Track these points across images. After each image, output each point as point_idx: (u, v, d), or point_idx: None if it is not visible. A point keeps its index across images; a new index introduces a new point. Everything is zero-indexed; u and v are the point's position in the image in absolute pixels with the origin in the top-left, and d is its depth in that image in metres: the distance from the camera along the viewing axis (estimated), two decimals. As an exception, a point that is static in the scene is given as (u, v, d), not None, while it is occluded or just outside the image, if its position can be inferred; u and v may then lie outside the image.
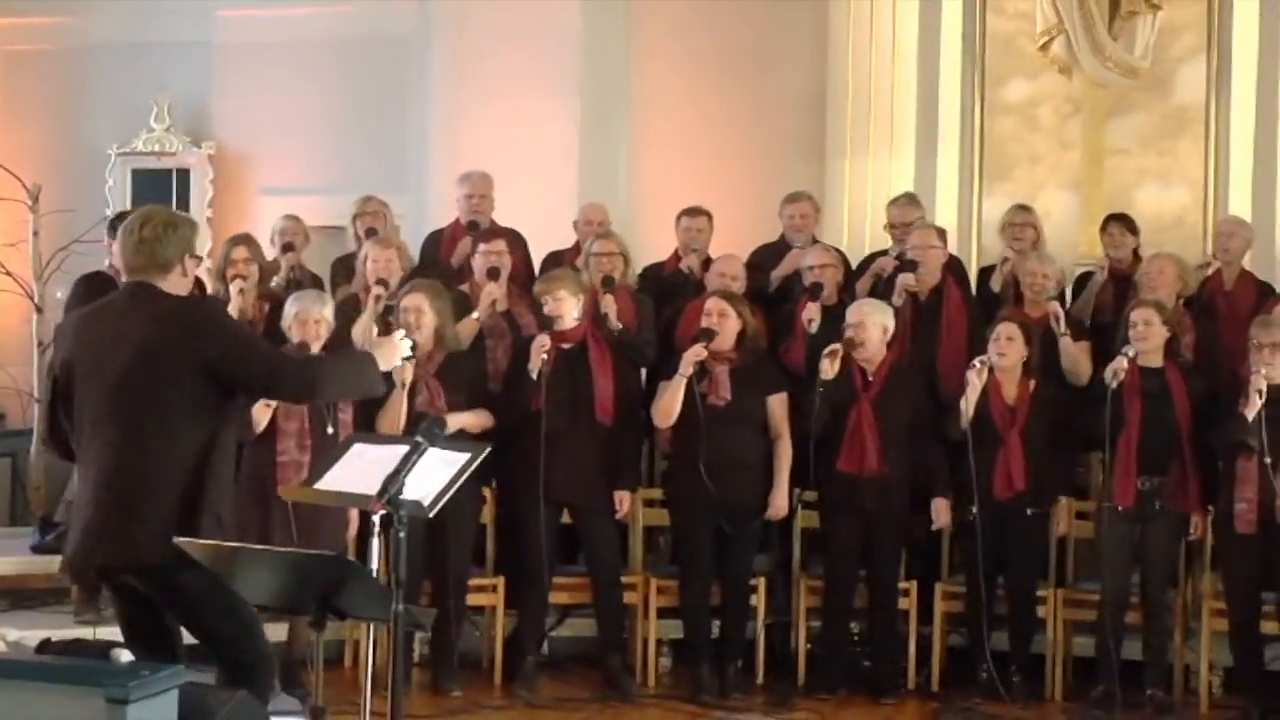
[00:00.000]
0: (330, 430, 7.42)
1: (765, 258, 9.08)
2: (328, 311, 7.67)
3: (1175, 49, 10.67)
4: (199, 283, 8.56)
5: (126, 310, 5.24)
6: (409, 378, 7.65)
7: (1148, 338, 7.82)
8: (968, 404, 7.85)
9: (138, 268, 5.24)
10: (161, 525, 5.01)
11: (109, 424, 5.14)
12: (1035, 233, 9.19)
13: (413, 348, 5.89)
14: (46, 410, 5.50)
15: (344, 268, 9.22)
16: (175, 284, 5.24)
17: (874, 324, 8.02)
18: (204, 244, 5.41)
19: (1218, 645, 7.95)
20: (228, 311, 5.44)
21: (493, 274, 8.48)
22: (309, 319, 7.45)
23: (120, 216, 8.76)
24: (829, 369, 7.86)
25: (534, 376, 7.81)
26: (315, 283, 9.09)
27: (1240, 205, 10.18)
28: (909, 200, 9.58)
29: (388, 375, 5.97)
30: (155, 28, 11.62)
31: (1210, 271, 9.00)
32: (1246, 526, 7.55)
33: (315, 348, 7.49)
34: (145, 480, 5.07)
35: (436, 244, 9.42)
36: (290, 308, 7.62)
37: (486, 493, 8.10)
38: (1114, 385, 7.66)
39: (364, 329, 8.16)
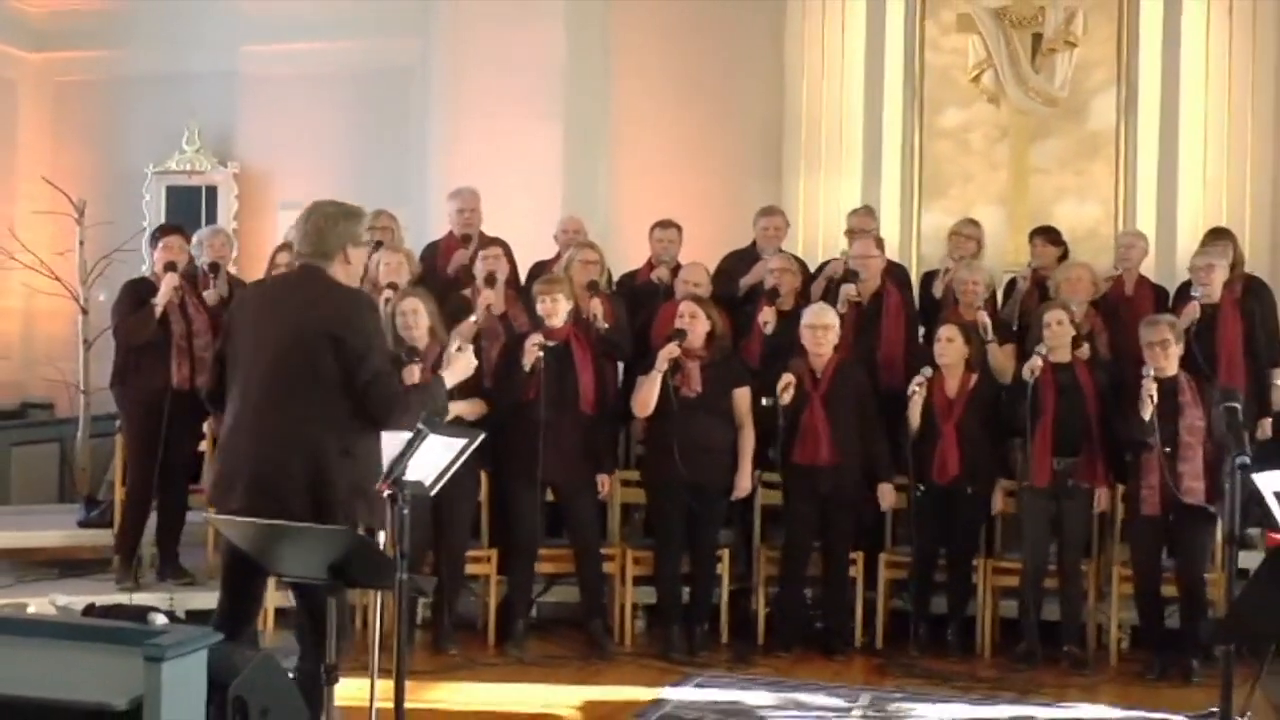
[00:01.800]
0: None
1: (734, 264, 9.08)
2: None
3: (1089, 81, 10.71)
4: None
5: (294, 289, 5.31)
6: (418, 374, 7.64)
7: (1058, 337, 7.88)
8: (913, 413, 7.89)
9: (306, 253, 5.30)
10: (296, 482, 5.08)
11: (270, 389, 5.18)
12: (976, 245, 9.24)
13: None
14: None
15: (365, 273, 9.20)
16: (340, 270, 5.29)
17: (831, 329, 8.03)
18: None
19: (1125, 607, 8.00)
20: (377, 313, 5.45)
21: (489, 280, 8.48)
22: None
23: (162, 229, 8.81)
24: (786, 399, 7.86)
25: (527, 370, 7.82)
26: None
27: (1146, 219, 10.24)
28: (866, 211, 9.64)
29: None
30: (187, 61, 11.65)
31: (1113, 278, 9.04)
32: (1151, 509, 7.61)
33: None
34: (288, 437, 5.11)
35: (433, 254, 9.40)
36: None
37: (483, 474, 8.11)
38: (1031, 380, 7.73)
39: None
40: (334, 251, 5.26)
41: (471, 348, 6.01)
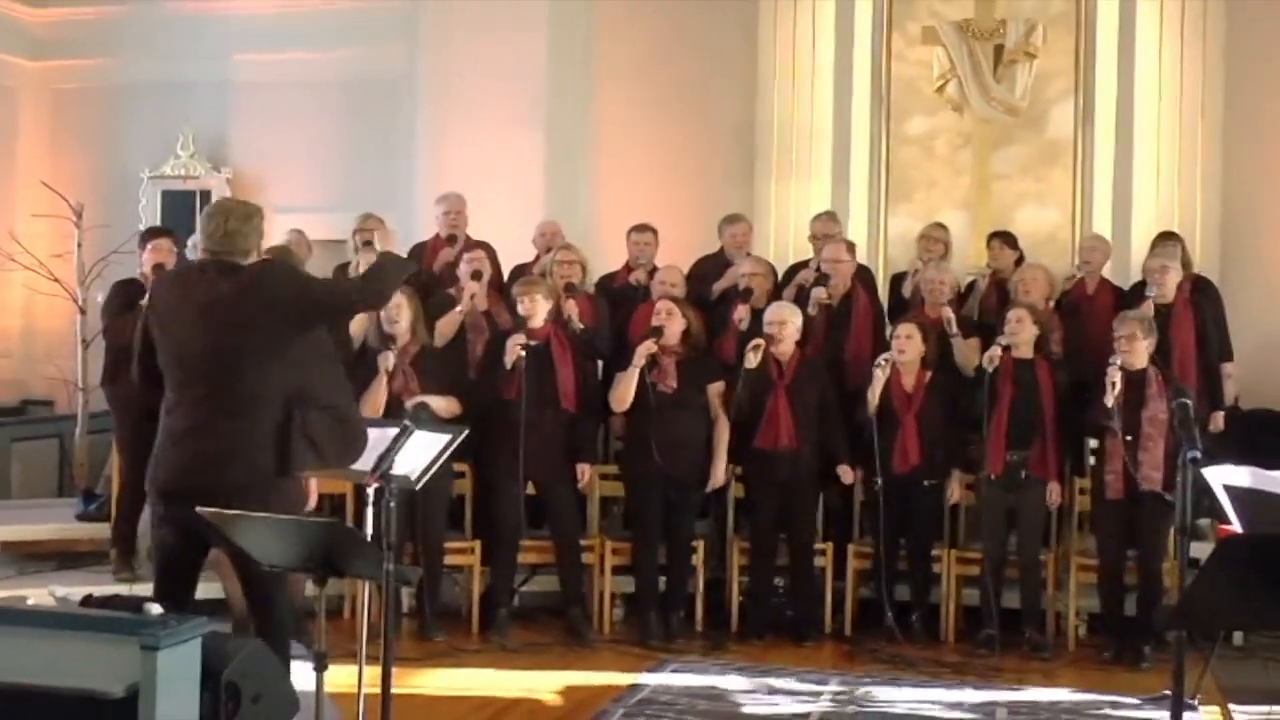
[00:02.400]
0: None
1: (705, 268, 9.12)
2: None
3: (1049, 91, 10.73)
4: (342, 273, 8.63)
5: (213, 276, 5.24)
6: (391, 364, 7.66)
7: (1019, 333, 7.92)
8: (873, 394, 7.92)
9: (221, 251, 5.26)
10: (248, 461, 5.10)
11: (202, 374, 5.18)
12: (944, 247, 9.26)
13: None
14: (139, 358, 5.52)
15: (344, 275, 9.20)
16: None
17: (792, 324, 8.09)
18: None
19: (1083, 595, 8.04)
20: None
21: (476, 276, 8.49)
22: None
23: (150, 230, 8.78)
24: (753, 360, 7.92)
25: (509, 368, 7.82)
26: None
27: (1102, 224, 10.27)
28: (829, 217, 9.63)
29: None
30: (181, 69, 11.64)
31: (1075, 280, 9.08)
32: (1115, 493, 7.65)
33: None
34: (236, 422, 5.12)
35: (420, 254, 9.40)
36: None
37: (465, 468, 8.10)
38: (990, 369, 7.76)
39: (358, 325, 8.16)
40: (251, 251, 5.28)
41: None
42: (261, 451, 5.13)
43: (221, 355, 5.17)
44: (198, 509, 4.96)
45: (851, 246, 9.11)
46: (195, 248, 8.53)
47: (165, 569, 5.41)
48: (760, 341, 7.96)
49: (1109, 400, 7.48)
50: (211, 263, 5.32)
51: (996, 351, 7.80)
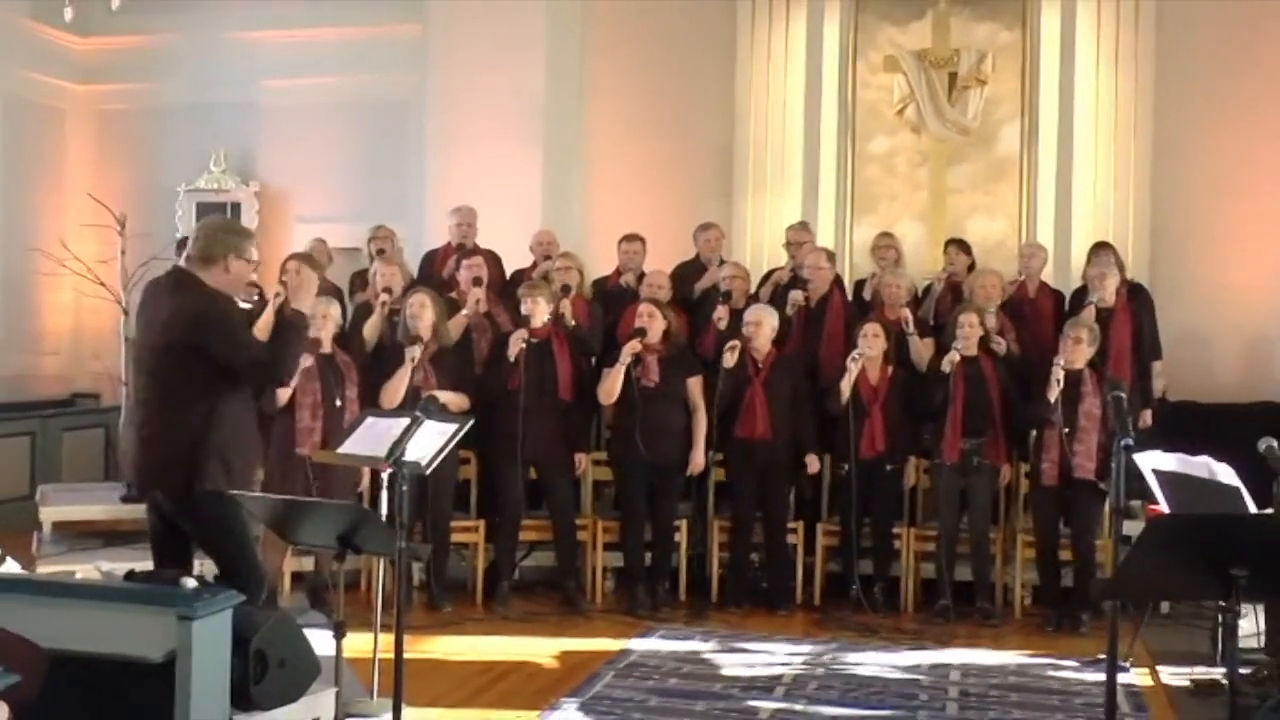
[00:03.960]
0: (339, 403, 7.39)
1: (685, 272, 9.14)
2: (334, 310, 7.65)
3: (997, 114, 10.76)
4: (359, 279, 8.57)
5: (166, 292, 5.23)
6: (418, 355, 7.66)
7: (970, 335, 7.95)
8: (845, 387, 7.94)
9: (193, 256, 5.24)
10: (176, 463, 5.05)
11: (141, 380, 5.24)
12: (896, 253, 9.27)
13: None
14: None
15: (360, 280, 9.22)
16: (219, 276, 5.20)
17: (767, 324, 8.10)
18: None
19: (1028, 569, 8.05)
20: (235, 313, 5.39)
21: (477, 281, 8.49)
22: (317, 315, 7.29)
23: (185, 239, 8.77)
24: (730, 359, 7.94)
25: (512, 361, 7.83)
26: (336, 292, 9.07)
27: (1045, 233, 10.29)
28: (802, 226, 9.66)
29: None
30: (213, 93, 11.63)
31: (1017, 284, 9.10)
32: (1051, 480, 7.67)
33: (326, 338, 7.47)
34: (164, 427, 5.11)
35: (431, 260, 9.41)
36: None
37: (470, 454, 8.10)
38: (949, 370, 7.79)
39: (372, 328, 8.17)
40: (217, 259, 5.20)
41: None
42: (174, 467, 5.09)
43: (152, 364, 5.19)
44: (233, 493, 4.98)
45: (831, 255, 9.12)
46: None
47: (154, 549, 5.39)
48: (737, 343, 7.98)
49: (1052, 396, 7.51)
50: (173, 271, 5.32)
51: (955, 357, 7.84)
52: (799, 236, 9.38)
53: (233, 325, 5.25)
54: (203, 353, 5.07)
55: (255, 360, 5.25)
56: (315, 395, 7.38)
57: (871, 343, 8.06)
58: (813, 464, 8.16)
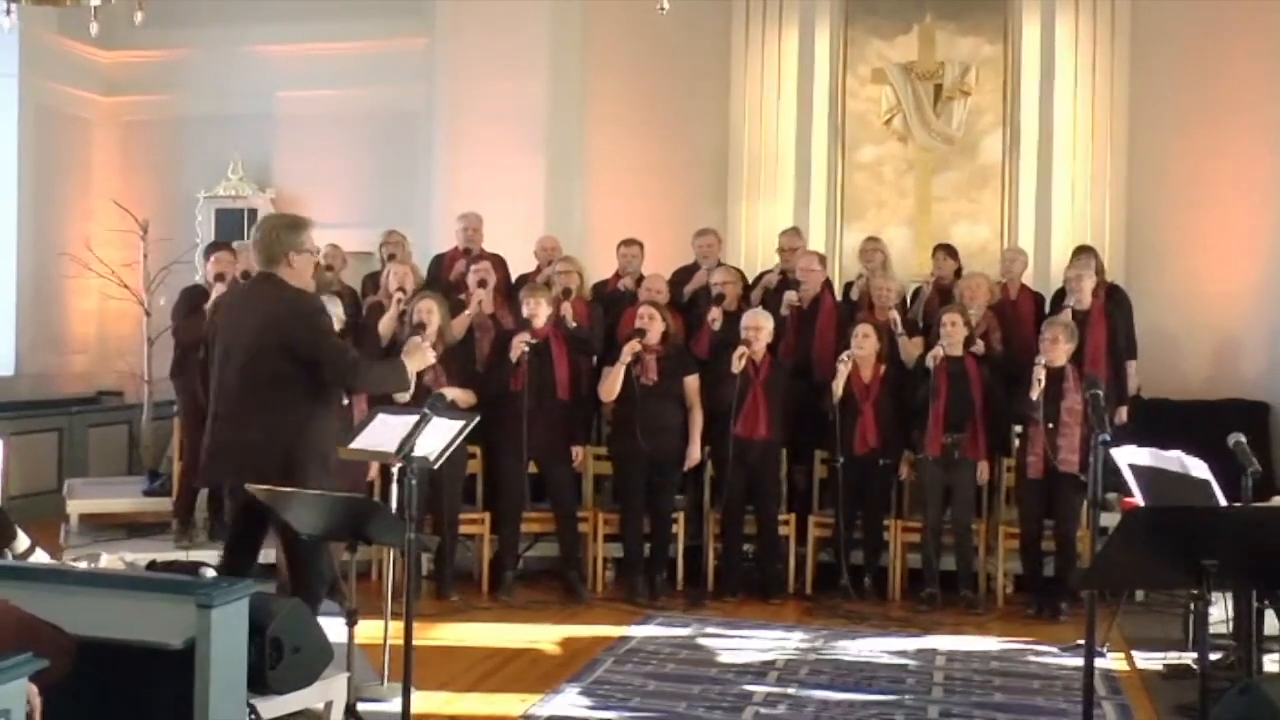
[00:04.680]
0: (346, 401, 7.36)
1: (682, 276, 9.12)
2: (338, 309, 7.59)
3: (980, 124, 10.80)
4: (371, 281, 8.54)
5: (253, 294, 5.33)
6: (431, 359, 7.65)
7: (954, 335, 7.95)
8: (837, 385, 7.94)
9: (260, 262, 5.33)
10: (271, 459, 5.10)
11: (237, 379, 5.22)
12: (883, 256, 9.25)
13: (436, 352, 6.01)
14: (201, 364, 5.57)
15: (372, 282, 9.21)
16: (287, 274, 5.29)
17: (765, 329, 8.09)
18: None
19: (1009, 559, 8.05)
20: (318, 308, 5.47)
21: (482, 284, 8.50)
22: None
23: (212, 245, 8.81)
24: (738, 365, 7.92)
25: (514, 362, 7.83)
26: (350, 295, 9.09)
27: (1026, 238, 10.32)
28: (794, 232, 9.66)
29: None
30: (232, 104, 11.65)
31: (1000, 286, 9.10)
32: (1035, 473, 7.66)
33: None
34: (259, 423, 5.15)
35: (439, 264, 9.41)
36: None
37: (476, 450, 8.10)
38: (932, 366, 7.80)
39: (386, 325, 8.16)
40: (279, 258, 5.27)
41: (429, 344, 6.11)
42: (271, 459, 5.13)
43: (248, 363, 5.21)
44: (246, 486, 4.99)
45: (822, 258, 9.12)
46: (237, 256, 8.57)
47: (231, 536, 5.46)
48: (744, 350, 7.94)
49: (1034, 393, 7.50)
50: (258, 275, 5.37)
51: (939, 352, 7.83)
52: (791, 242, 9.38)
53: (317, 322, 5.33)
54: (295, 353, 5.15)
55: (347, 362, 5.34)
56: None
57: (863, 342, 8.05)
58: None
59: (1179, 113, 10.33)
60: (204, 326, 5.64)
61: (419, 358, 5.76)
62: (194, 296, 8.20)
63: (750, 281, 9.25)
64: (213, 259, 8.28)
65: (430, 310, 7.76)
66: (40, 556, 4.73)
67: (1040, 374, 7.50)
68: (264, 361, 5.17)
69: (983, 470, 7.98)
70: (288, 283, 5.29)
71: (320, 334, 5.32)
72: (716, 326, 8.44)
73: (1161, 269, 10.24)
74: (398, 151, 11.43)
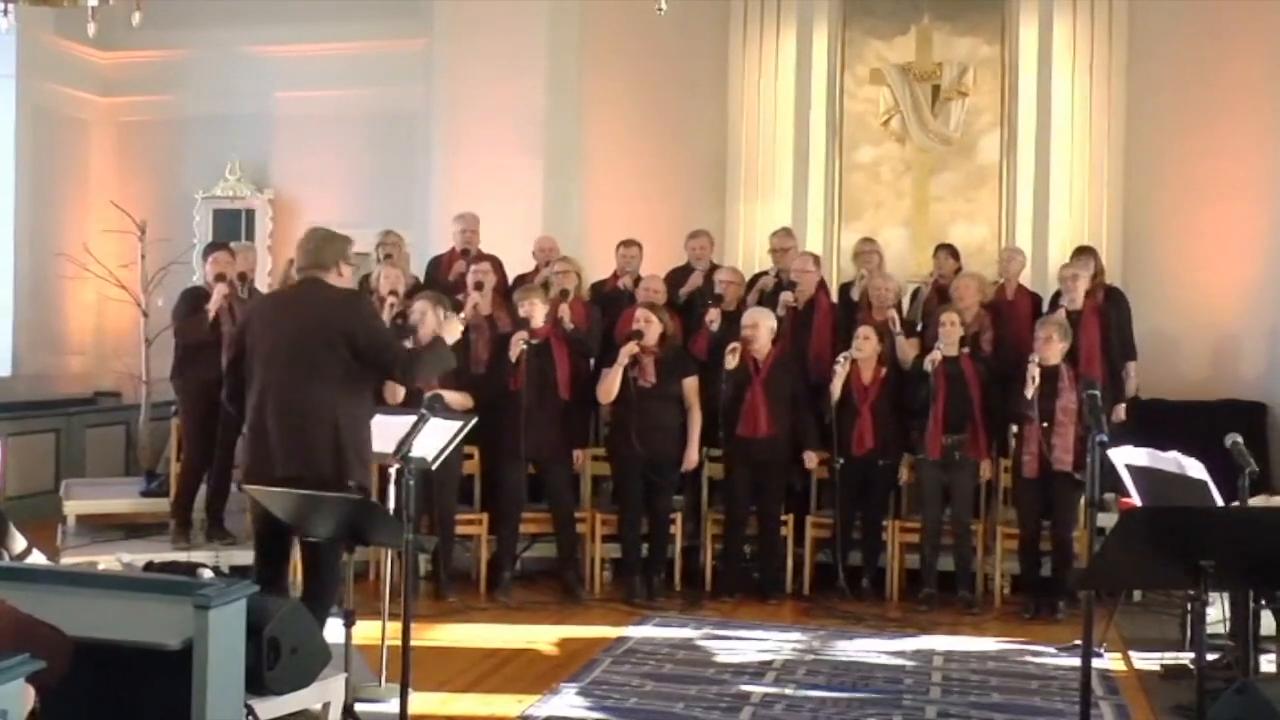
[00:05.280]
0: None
1: (677, 276, 9.11)
2: None
3: (978, 124, 10.81)
4: (365, 282, 8.65)
5: (301, 296, 5.34)
6: (459, 331, 7.63)
7: (952, 336, 7.95)
8: (835, 386, 7.94)
9: (307, 266, 5.35)
10: (325, 452, 5.12)
11: (290, 378, 5.20)
12: (878, 257, 9.26)
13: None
14: (229, 366, 5.54)
15: (368, 284, 9.20)
16: (336, 280, 5.35)
17: (764, 326, 8.10)
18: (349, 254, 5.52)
19: (1007, 559, 8.06)
20: (370, 302, 5.53)
21: (478, 286, 8.50)
22: None
23: (211, 245, 8.80)
24: (732, 361, 7.93)
25: (513, 362, 7.83)
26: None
27: (1023, 238, 10.33)
28: (785, 233, 9.63)
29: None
30: (230, 105, 11.66)
31: (997, 286, 9.11)
32: (1031, 472, 7.66)
33: None
34: (312, 418, 5.14)
35: (437, 265, 9.41)
36: None
37: (474, 450, 8.10)
38: (930, 369, 7.80)
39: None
40: (329, 264, 5.34)
41: (458, 317, 6.16)
42: (324, 456, 5.15)
43: (299, 361, 5.20)
44: (244, 486, 4.98)
45: (816, 259, 9.13)
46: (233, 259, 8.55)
47: (258, 546, 5.46)
48: (738, 345, 7.96)
49: (1029, 392, 7.51)
50: (303, 280, 5.39)
51: (937, 355, 7.84)
52: (782, 243, 9.37)
53: (378, 318, 5.46)
54: (349, 343, 5.15)
55: (405, 353, 5.42)
56: None
57: (864, 344, 8.06)
58: (810, 460, 8.15)
59: (1176, 113, 10.34)
60: (233, 333, 5.61)
61: (453, 329, 5.80)
62: (194, 297, 8.19)
63: (747, 282, 9.25)
64: (211, 259, 8.26)
65: (425, 311, 7.76)
66: (37, 557, 4.73)
67: (1034, 372, 7.51)
68: (319, 359, 5.17)
69: (985, 469, 7.98)
70: (335, 285, 5.32)
71: (382, 328, 5.44)
72: (715, 328, 8.44)
73: (1159, 269, 10.25)
74: (396, 152, 11.43)
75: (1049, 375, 7.59)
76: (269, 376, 5.25)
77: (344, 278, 5.40)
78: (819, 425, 8.11)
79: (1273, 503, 6.26)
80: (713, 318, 8.49)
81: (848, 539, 8.08)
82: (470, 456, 8.13)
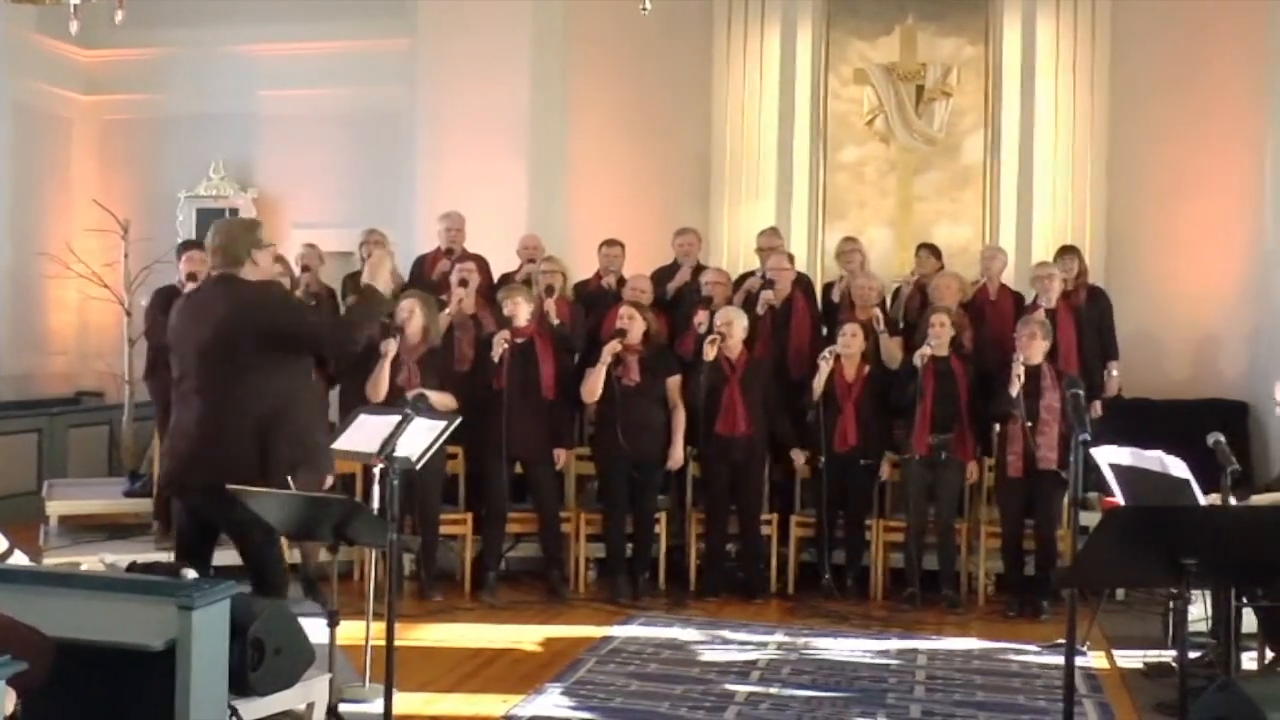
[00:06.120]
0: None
1: (663, 275, 9.12)
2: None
3: (962, 125, 10.83)
4: (282, 260, 8.60)
5: (215, 295, 5.23)
6: (391, 351, 7.63)
7: (941, 335, 7.96)
8: (818, 384, 7.96)
9: (218, 264, 5.25)
10: (243, 453, 5.03)
11: (200, 379, 5.13)
12: (861, 256, 9.25)
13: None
14: (146, 372, 5.47)
15: (352, 282, 9.16)
16: (250, 273, 5.23)
17: (738, 325, 8.10)
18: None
19: (991, 558, 8.08)
20: (284, 289, 5.41)
21: (463, 284, 8.50)
22: None
23: (186, 244, 8.75)
24: (710, 352, 7.94)
25: (496, 361, 7.83)
26: (328, 294, 9.07)
27: (1007, 238, 10.35)
28: (773, 232, 9.66)
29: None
30: (213, 104, 11.63)
31: (979, 285, 9.12)
32: (1015, 472, 7.68)
33: None
34: (225, 422, 5.07)
35: (422, 264, 9.40)
36: None
37: (458, 450, 8.09)
38: (920, 364, 7.81)
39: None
40: (242, 258, 5.22)
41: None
42: (244, 455, 5.06)
43: (213, 361, 5.13)
44: (228, 486, 4.96)
45: (791, 258, 9.14)
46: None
47: (180, 545, 5.39)
48: (717, 335, 7.97)
49: (1013, 390, 7.53)
50: (217, 277, 5.29)
51: (927, 351, 7.84)
52: (770, 242, 9.39)
53: (293, 300, 5.28)
54: (268, 335, 5.06)
55: (328, 323, 5.29)
56: None
57: (850, 341, 8.07)
58: (798, 457, 8.17)
59: (1159, 114, 10.38)
60: (159, 326, 5.53)
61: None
62: (166, 297, 8.11)
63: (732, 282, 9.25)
64: (185, 258, 8.16)
65: (413, 309, 7.76)
66: (19, 558, 4.71)
67: (1019, 371, 7.52)
68: (232, 358, 5.08)
69: (972, 470, 8.00)
70: (248, 279, 5.21)
71: (298, 310, 5.33)
72: (703, 329, 8.43)
73: (1141, 269, 10.28)
74: (380, 152, 11.40)
75: (1031, 374, 7.61)
76: (186, 382, 5.19)
77: (260, 266, 5.26)
78: (799, 423, 8.13)
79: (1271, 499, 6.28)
80: (701, 320, 8.49)
81: (831, 538, 8.09)
82: (455, 456, 8.13)
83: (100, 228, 10.99)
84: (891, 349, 8.34)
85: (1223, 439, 5.41)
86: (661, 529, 8.23)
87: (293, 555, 7.80)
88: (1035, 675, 6.40)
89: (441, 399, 7.56)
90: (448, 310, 8.33)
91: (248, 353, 5.08)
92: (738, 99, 11.10)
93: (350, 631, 5.61)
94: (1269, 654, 5.84)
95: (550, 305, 8.31)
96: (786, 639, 7.06)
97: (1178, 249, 10.30)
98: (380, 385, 7.58)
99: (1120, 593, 7.72)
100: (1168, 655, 6.37)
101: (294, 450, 5.15)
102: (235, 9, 11.45)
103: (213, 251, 5.27)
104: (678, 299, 8.92)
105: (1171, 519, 3.91)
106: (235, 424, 5.07)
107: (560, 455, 8.15)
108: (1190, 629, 4.31)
